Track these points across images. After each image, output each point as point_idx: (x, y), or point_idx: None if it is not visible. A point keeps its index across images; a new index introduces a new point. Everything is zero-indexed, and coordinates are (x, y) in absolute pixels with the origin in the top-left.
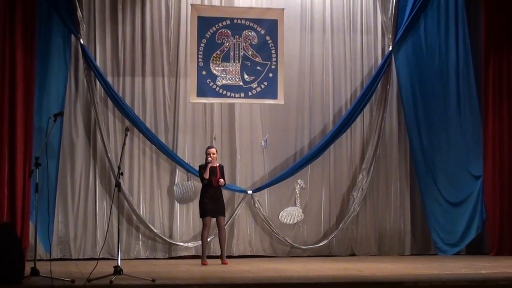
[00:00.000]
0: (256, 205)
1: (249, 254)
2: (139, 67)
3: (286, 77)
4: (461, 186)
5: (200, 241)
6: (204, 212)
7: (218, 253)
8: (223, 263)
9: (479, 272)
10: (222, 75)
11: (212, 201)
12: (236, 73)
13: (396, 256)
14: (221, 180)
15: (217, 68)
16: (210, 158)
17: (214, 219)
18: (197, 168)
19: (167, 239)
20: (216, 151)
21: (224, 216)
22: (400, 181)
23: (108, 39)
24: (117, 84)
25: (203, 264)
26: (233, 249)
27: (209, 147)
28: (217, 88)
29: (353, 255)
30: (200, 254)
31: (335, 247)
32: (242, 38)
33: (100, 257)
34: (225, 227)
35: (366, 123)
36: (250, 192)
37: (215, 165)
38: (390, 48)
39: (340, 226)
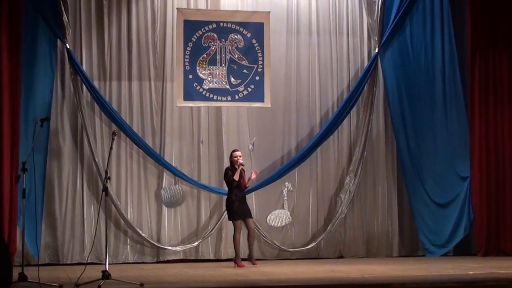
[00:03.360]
0: None
1: None
2: (125, 72)
3: (272, 80)
4: (448, 187)
5: (188, 245)
6: (235, 215)
7: (207, 257)
8: (253, 264)
9: (467, 273)
10: (209, 79)
11: (241, 204)
12: (223, 76)
13: (384, 257)
14: (253, 174)
15: (203, 72)
16: (241, 160)
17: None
18: (185, 172)
19: (155, 243)
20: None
21: (252, 217)
22: (387, 183)
23: (94, 43)
24: (104, 88)
25: (239, 266)
26: (221, 252)
27: (235, 151)
28: (204, 92)
29: (341, 257)
30: (189, 258)
31: (323, 250)
32: (228, 41)
33: (88, 261)
34: (214, 230)
35: (353, 125)
36: None
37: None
38: (376, 51)
39: (328, 228)
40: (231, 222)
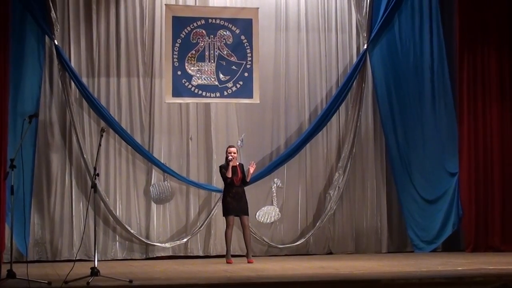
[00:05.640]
0: None
1: None
2: (114, 68)
3: (261, 76)
4: (437, 183)
5: (177, 241)
6: (227, 211)
7: (196, 253)
8: (248, 261)
9: (456, 269)
10: (198, 75)
11: (235, 200)
12: (212, 72)
13: (373, 254)
14: (250, 168)
15: (192, 68)
16: (230, 157)
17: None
18: (173, 168)
19: (144, 240)
20: (237, 150)
21: (248, 215)
22: (376, 179)
23: (83, 40)
24: (92, 85)
25: (228, 262)
26: (210, 249)
27: (229, 147)
28: (193, 88)
29: (330, 253)
30: (178, 254)
31: (312, 246)
32: (217, 37)
33: (77, 258)
34: (203, 226)
35: (342, 122)
36: None
37: (235, 164)
38: (365, 47)
39: (317, 224)
40: (220, 218)
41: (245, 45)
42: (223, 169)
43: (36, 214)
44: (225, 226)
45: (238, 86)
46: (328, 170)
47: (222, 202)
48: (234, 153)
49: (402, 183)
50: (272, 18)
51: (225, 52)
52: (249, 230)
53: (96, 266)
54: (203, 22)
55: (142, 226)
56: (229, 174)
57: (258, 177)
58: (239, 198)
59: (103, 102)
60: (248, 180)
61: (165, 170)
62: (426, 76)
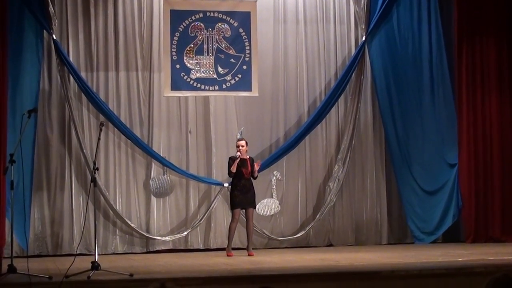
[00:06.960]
0: None
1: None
2: (112, 62)
3: (260, 69)
4: (437, 174)
5: (177, 235)
6: (233, 204)
7: (196, 247)
8: (249, 254)
9: (456, 260)
10: (196, 68)
11: (242, 193)
12: (210, 66)
13: (373, 245)
14: (256, 165)
15: (190, 62)
16: (238, 153)
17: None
18: (173, 162)
19: (144, 234)
20: (246, 143)
21: (254, 207)
22: (376, 171)
23: (81, 34)
24: (91, 79)
25: (228, 255)
26: (210, 242)
27: (238, 140)
28: (191, 82)
29: (331, 245)
30: (178, 248)
31: (312, 238)
32: (215, 31)
33: (77, 253)
34: (203, 220)
35: (341, 114)
36: (226, 184)
37: (245, 158)
38: (364, 38)
39: (317, 217)
40: (220, 211)
41: (244, 38)
42: (230, 160)
43: (36, 208)
44: (225, 219)
45: (237, 79)
46: (327, 162)
47: (230, 196)
48: (243, 146)
49: (402, 174)
50: (270, 10)
51: (223, 45)
52: (252, 223)
53: (96, 260)
54: (201, 15)
55: (142, 220)
56: (234, 169)
57: (257, 170)
58: (247, 191)
59: (102, 96)
60: (255, 175)
61: (164, 163)
62: (425, 68)
